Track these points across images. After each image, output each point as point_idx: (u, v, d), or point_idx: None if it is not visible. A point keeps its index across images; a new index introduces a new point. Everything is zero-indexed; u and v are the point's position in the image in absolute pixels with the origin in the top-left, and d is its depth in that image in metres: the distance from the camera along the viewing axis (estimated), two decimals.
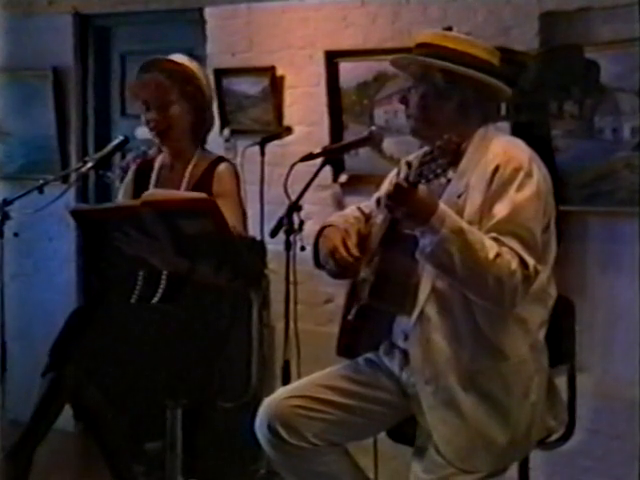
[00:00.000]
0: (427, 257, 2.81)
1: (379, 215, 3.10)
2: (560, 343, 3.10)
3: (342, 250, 3.05)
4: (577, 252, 3.93)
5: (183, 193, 3.61)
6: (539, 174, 2.90)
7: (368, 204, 3.30)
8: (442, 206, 2.78)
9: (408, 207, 2.75)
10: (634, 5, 3.70)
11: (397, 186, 2.75)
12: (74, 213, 3.51)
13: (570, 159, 3.88)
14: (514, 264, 2.76)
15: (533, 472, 3.17)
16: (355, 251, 3.05)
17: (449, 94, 2.97)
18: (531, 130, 3.85)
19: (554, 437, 3.09)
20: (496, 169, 2.86)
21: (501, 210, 2.83)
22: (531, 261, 2.79)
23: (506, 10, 4.10)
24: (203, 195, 3.39)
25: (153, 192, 3.55)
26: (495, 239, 2.79)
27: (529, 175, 2.86)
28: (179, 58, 3.84)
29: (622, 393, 3.88)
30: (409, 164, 2.90)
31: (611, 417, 3.91)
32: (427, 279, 2.91)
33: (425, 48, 3.00)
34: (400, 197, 2.74)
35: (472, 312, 2.87)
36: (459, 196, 2.90)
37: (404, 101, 3.07)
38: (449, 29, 3.77)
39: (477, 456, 2.89)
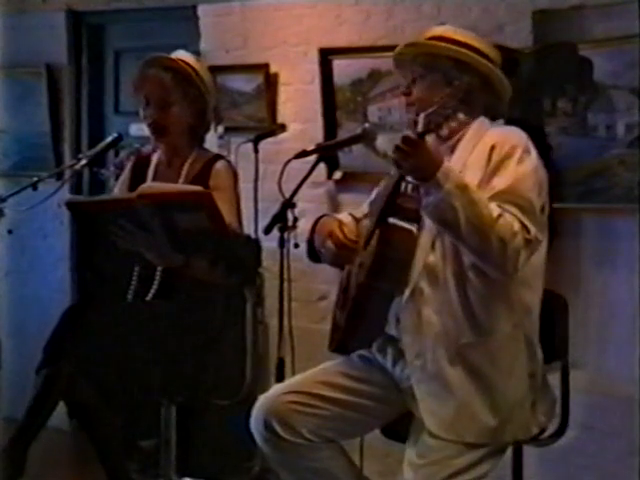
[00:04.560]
0: (431, 212, 2.82)
1: (371, 217, 3.11)
2: (553, 340, 3.11)
3: (338, 232, 3.07)
4: (571, 249, 3.93)
5: (180, 186, 3.60)
6: (535, 155, 2.94)
7: (360, 209, 3.31)
8: (447, 162, 2.81)
9: (416, 158, 2.77)
10: (627, 3, 3.70)
11: (405, 138, 2.77)
12: (70, 205, 3.51)
13: (564, 156, 3.88)
14: (516, 226, 2.80)
15: (526, 469, 3.17)
16: (352, 235, 3.08)
17: (456, 82, 2.98)
18: (525, 127, 3.85)
19: (547, 433, 3.09)
20: (493, 147, 2.91)
21: (500, 182, 2.86)
22: (532, 227, 2.82)
23: (500, 7, 4.11)
24: (200, 188, 3.39)
25: (150, 185, 3.55)
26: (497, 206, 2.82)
27: (527, 151, 2.92)
28: (185, 57, 3.80)
29: (616, 390, 3.88)
30: (415, 122, 2.91)
31: (605, 414, 3.91)
32: (420, 254, 2.93)
33: (435, 40, 3.05)
34: (408, 148, 2.76)
35: (464, 286, 2.90)
36: None
37: (408, 92, 3.08)
38: None
39: (461, 426, 2.90)
